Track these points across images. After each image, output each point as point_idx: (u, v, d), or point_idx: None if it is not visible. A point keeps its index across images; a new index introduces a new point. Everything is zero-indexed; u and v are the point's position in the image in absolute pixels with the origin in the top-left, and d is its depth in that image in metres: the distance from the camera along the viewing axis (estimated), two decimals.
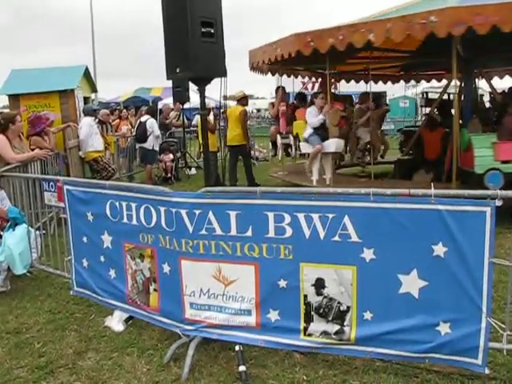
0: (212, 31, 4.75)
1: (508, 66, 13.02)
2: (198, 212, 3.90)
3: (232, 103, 13.48)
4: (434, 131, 10.20)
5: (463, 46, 8.09)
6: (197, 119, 18.15)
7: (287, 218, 3.64)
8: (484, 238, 3.24)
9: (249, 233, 3.79)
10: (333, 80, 12.36)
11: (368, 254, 3.49)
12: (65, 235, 5.23)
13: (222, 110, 11.49)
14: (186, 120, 16.66)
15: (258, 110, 44.20)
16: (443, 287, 3.38)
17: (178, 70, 4.88)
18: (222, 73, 4.97)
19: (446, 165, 9.49)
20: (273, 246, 3.73)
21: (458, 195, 3.34)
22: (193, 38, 4.70)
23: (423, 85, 18.24)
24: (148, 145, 13.33)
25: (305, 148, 9.88)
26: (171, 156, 14.41)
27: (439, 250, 3.33)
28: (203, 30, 4.68)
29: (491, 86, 11.44)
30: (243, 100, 11.55)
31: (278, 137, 11.92)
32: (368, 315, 3.61)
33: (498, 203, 3.18)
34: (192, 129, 18.87)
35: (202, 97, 5.13)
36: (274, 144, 15.10)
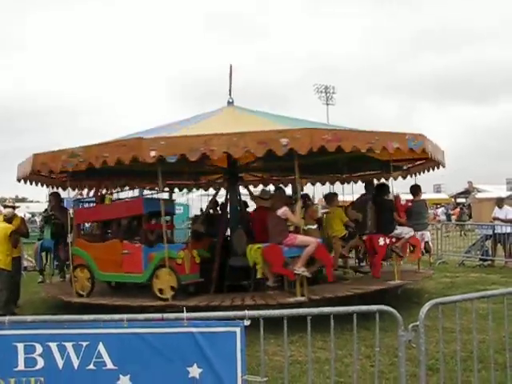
0: None
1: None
2: None
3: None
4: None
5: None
6: None
7: (38, 349, 3.44)
8: (235, 356, 3.41)
9: None
10: None
11: (124, 381, 3.43)
12: None
13: None
14: None
15: (33, 215, 41.00)
16: None
17: None
18: None
19: (215, 272, 9.76)
20: (22, 380, 3.46)
21: (210, 317, 3.49)
22: None
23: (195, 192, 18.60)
24: None
25: None
26: None
27: (194, 371, 3.42)
28: None
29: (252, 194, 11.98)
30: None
31: None
32: None
33: (247, 323, 3.39)
34: None
35: None
36: None
